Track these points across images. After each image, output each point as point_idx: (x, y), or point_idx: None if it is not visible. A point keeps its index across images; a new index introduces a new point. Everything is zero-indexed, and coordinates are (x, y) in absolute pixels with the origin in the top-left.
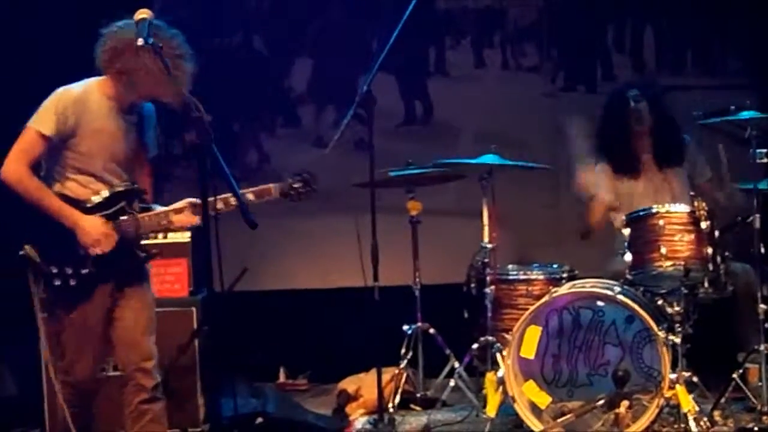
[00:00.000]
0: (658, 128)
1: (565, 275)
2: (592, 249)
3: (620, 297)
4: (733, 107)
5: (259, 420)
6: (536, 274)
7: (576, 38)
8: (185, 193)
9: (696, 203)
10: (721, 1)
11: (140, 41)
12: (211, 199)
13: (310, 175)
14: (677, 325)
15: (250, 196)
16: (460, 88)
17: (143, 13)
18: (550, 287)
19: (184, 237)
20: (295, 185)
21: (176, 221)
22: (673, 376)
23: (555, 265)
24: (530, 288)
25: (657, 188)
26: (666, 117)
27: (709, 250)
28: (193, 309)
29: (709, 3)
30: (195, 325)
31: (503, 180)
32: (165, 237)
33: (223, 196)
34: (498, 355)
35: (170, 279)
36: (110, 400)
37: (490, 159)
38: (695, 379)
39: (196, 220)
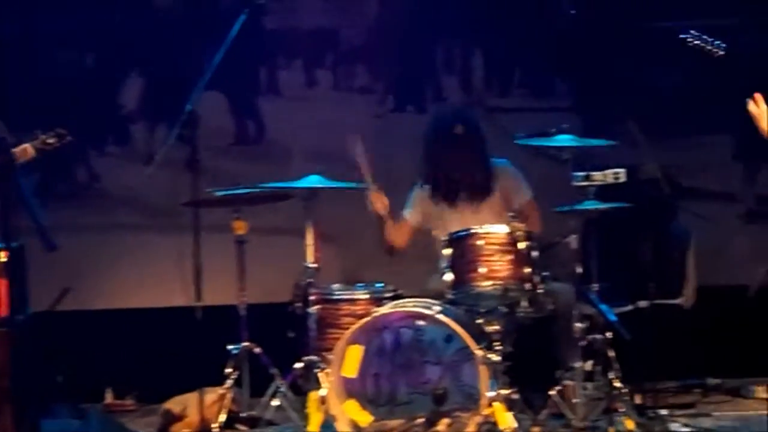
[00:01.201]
0: (474, 158)
1: (388, 295)
2: (419, 268)
3: (439, 316)
4: (553, 130)
5: None
6: (360, 294)
7: (406, 59)
8: None
9: (514, 224)
10: (548, 24)
11: None
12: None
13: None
14: (496, 343)
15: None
16: (292, 108)
17: None
18: (374, 307)
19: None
20: (49, 140)
21: None
22: (492, 393)
23: (379, 285)
24: (354, 308)
25: (467, 221)
26: (480, 147)
27: (527, 270)
28: (10, 330)
29: (535, 26)
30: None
31: (333, 199)
32: None
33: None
34: (321, 375)
35: None
36: None
37: (312, 181)
38: (515, 396)
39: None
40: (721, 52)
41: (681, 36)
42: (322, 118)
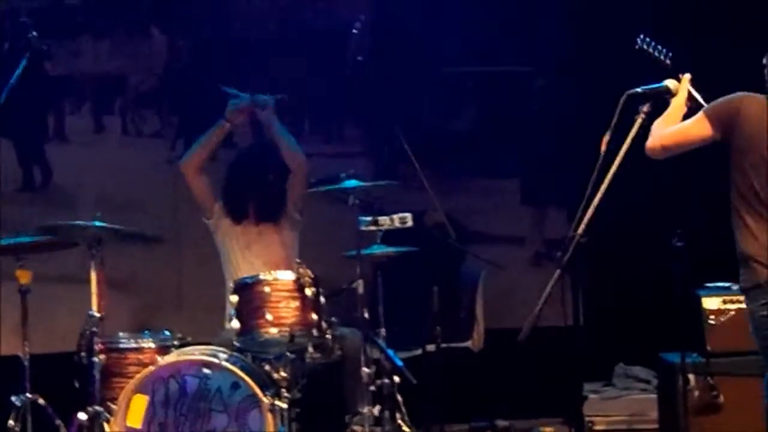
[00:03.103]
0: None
1: (176, 342)
2: (213, 315)
3: (225, 363)
4: (343, 175)
5: None
6: (146, 342)
7: (196, 105)
8: None
9: (301, 270)
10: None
11: None
12: None
13: None
14: (284, 390)
15: None
16: (80, 154)
17: None
18: (160, 355)
19: None
20: None
21: None
22: None
23: (167, 332)
24: (141, 356)
25: (250, 242)
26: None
27: (314, 316)
28: None
29: (324, 72)
30: None
31: (121, 247)
32: None
33: None
34: (106, 425)
35: None
36: None
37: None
38: None
39: None
40: (668, 63)
41: (636, 40)
42: (111, 164)
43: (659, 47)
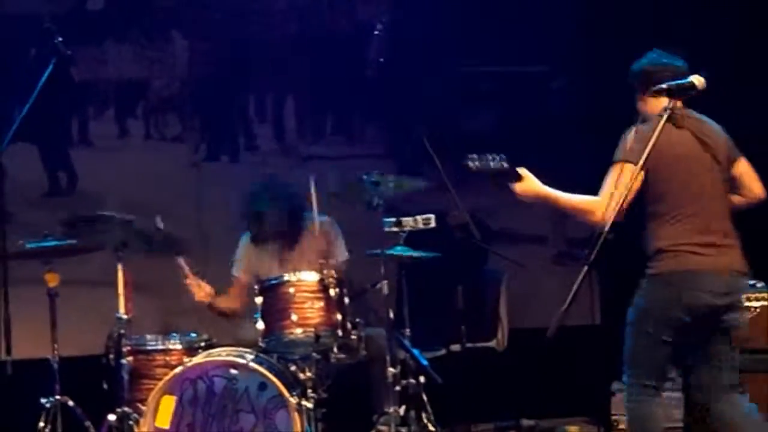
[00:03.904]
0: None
1: (202, 344)
2: (233, 316)
3: (252, 364)
4: (365, 176)
5: None
6: (173, 344)
7: (218, 108)
8: None
9: (325, 271)
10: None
11: None
12: None
13: None
14: (310, 390)
15: None
16: (105, 158)
17: None
18: (187, 356)
19: None
20: None
21: None
22: None
23: (193, 334)
24: (168, 358)
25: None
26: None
27: (339, 317)
28: None
29: (346, 74)
30: None
31: (151, 248)
32: None
33: None
34: (134, 426)
35: None
36: None
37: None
38: None
39: None
40: (506, 165)
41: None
42: (134, 167)
43: (488, 156)
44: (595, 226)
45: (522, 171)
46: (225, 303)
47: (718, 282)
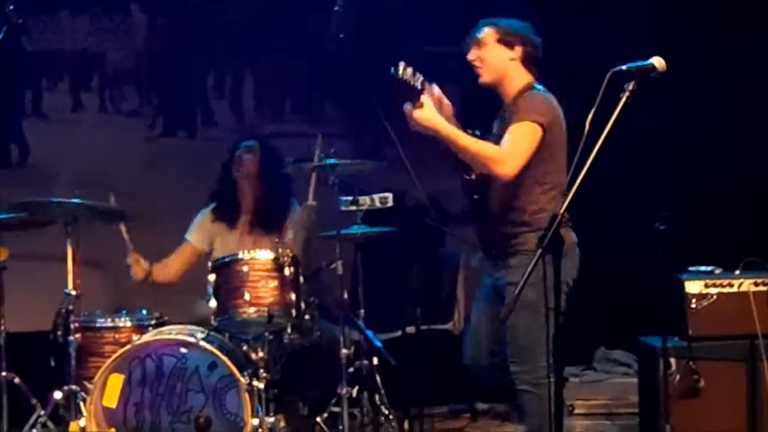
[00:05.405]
0: (265, 189)
1: (153, 322)
2: (188, 294)
3: (203, 343)
4: (321, 154)
5: None
6: (123, 321)
7: (175, 83)
8: None
9: (280, 250)
10: (317, 48)
11: None
12: None
13: None
14: (262, 370)
15: None
16: (58, 131)
17: None
18: (137, 334)
19: None
20: None
21: None
22: (256, 421)
23: (144, 312)
24: (117, 335)
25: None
26: (275, 180)
27: (293, 296)
28: None
29: (305, 51)
30: None
31: (97, 225)
32: None
33: None
34: (82, 404)
35: None
36: None
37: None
38: (282, 423)
39: None
40: (419, 87)
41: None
42: (88, 141)
43: (418, 75)
44: (498, 178)
45: (424, 98)
46: (161, 274)
47: None
